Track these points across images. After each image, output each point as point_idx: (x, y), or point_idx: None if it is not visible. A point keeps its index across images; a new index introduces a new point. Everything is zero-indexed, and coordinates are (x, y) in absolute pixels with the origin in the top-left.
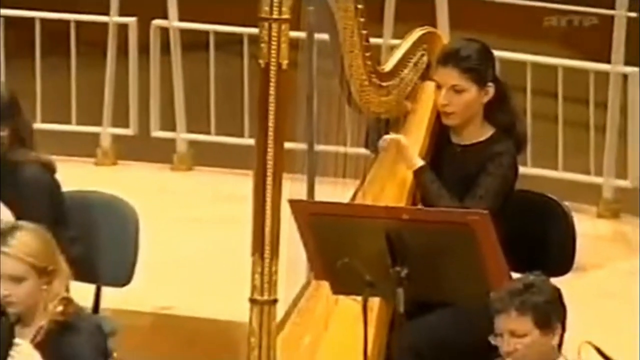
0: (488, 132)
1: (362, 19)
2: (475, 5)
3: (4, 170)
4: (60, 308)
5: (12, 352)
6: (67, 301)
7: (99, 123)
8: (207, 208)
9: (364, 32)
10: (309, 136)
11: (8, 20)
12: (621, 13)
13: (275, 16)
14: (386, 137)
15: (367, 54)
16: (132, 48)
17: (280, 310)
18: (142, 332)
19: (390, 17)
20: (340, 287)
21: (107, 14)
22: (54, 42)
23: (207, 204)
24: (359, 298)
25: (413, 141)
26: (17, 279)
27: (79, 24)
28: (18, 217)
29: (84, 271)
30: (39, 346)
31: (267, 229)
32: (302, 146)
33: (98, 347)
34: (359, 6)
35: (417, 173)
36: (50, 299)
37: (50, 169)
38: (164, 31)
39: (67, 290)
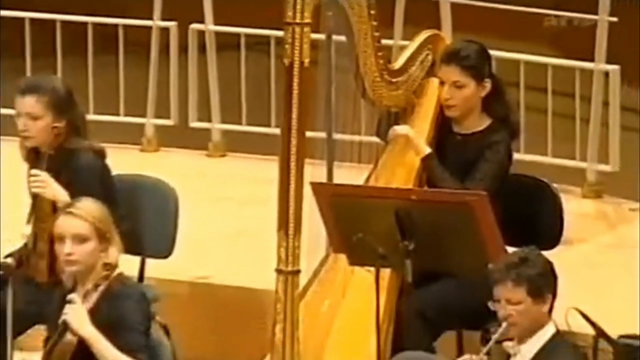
0: (485, 122)
1: (374, 23)
2: (475, 10)
3: (61, 156)
4: (111, 275)
5: (66, 308)
6: (116, 270)
7: (143, 115)
8: (239, 189)
9: (377, 34)
10: (328, 126)
11: (64, 23)
12: (603, 17)
13: (298, 20)
14: (396, 127)
15: (379, 54)
16: (173, 49)
17: (302, 279)
18: (181, 299)
19: (400, 21)
20: (356, 259)
21: (150, 18)
22: (105, 43)
23: (238, 185)
24: (372, 269)
25: (420, 131)
26: (82, 239)
27: (126, 27)
28: (73, 199)
29: (131, 244)
30: (90, 310)
31: (291, 208)
32: (321, 135)
33: (143, 312)
34: (372, 12)
35: (424, 159)
36: (104, 265)
37: (101, 155)
38: (201, 34)
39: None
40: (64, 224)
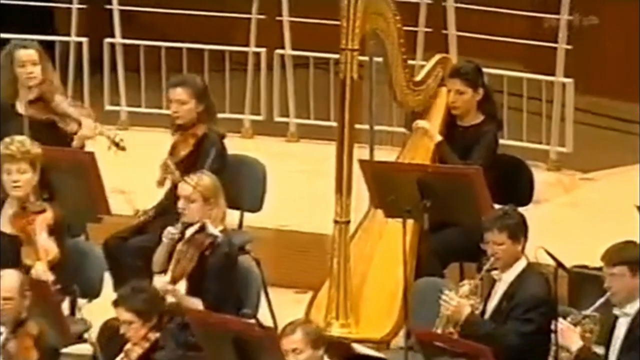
0: (479, 118)
1: (403, 49)
2: (473, 40)
3: (208, 135)
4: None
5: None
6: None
7: (242, 112)
8: (309, 165)
9: (404, 56)
10: (370, 120)
11: (189, 50)
12: (562, 46)
13: (349, 47)
14: (418, 121)
15: (406, 70)
16: (263, 66)
17: (352, 227)
18: (268, 240)
19: (421, 48)
20: (389, 213)
21: (247, 45)
22: (216, 63)
23: (308, 162)
24: (401, 220)
25: (434, 124)
26: (190, 200)
27: (231, 52)
28: (200, 167)
29: (233, 201)
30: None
31: (344, 177)
32: (365, 127)
33: (231, 252)
34: (401, 40)
35: (438, 144)
36: (212, 219)
37: (222, 137)
38: (281, 57)
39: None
40: (181, 189)
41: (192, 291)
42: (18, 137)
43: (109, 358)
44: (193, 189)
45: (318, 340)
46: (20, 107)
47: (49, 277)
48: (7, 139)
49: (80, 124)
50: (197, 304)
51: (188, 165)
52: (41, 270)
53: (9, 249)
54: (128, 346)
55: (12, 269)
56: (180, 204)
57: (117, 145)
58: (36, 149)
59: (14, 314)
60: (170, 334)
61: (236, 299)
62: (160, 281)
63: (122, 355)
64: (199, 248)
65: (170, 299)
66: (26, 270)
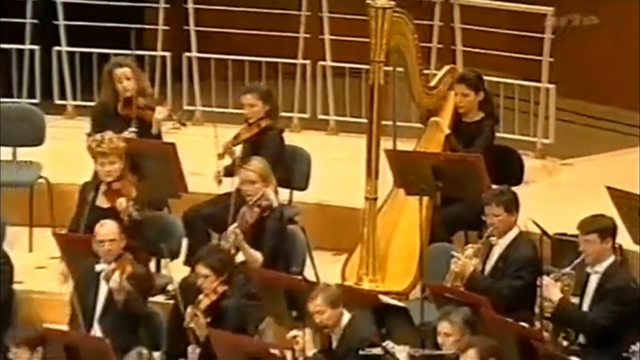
0: (480, 115)
1: (419, 61)
2: (475, 55)
3: (271, 127)
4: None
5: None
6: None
7: (292, 111)
8: (345, 152)
9: (420, 67)
10: (393, 117)
11: (251, 62)
12: (546, 59)
13: (377, 59)
14: (432, 118)
15: (422, 77)
16: (308, 75)
17: (379, 202)
18: (312, 213)
19: (434, 60)
20: (409, 191)
21: (296, 58)
22: (271, 73)
23: (344, 150)
24: (418, 197)
25: (444, 120)
26: (251, 182)
27: (283, 64)
28: (262, 153)
29: (285, 182)
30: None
31: (373, 163)
32: (390, 122)
33: (283, 216)
34: (419, 54)
35: (447, 136)
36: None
37: (281, 130)
38: (322, 67)
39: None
40: (243, 175)
41: (252, 246)
42: (107, 135)
43: (185, 306)
44: (253, 172)
45: (336, 300)
46: (120, 109)
47: (131, 210)
48: (97, 137)
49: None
50: (257, 255)
51: (246, 147)
52: (124, 205)
53: (105, 217)
54: (200, 297)
55: (111, 220)
56: (244, 187)
57: (181, 122)
58: (121, 143)
59: (116, 250)
60: (236, 287)
61: (286, 259)
62: (231, 227)
63: (195, 303)
64: (259, 209)
65: (239, 257)
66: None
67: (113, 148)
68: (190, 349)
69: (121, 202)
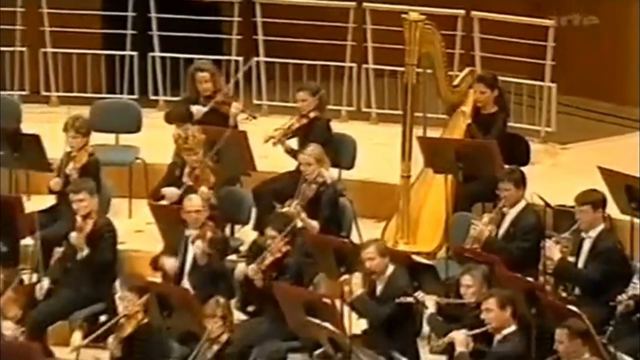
0: (495, 108)
1: (445, 64)
2: (491, 59)
3: (319, 118)
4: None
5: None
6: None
7: (341, 104)
8: (384, 138)
9: (446, 69)
10: (423, 110)
11: (309, 66)
12: (548, 63)
13: (410, 63)
14: (460, 107)
15: (447, 78)
16: (354, 75)
17: (412, 179)
18: (357, 187)
19: (457, 63)
20: (437, 170)
21: (344, 62)
22: (324, 74)
23: (384, 136)
24: (444, 175)
25: (466, 112)
26: (308, 164)
27: (335, 67)
28: (312, 140)
29: (335, 162)
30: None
31: (407, 147)
32: (421, 114)
33: (336, 191)
34: (444, 59)
35: (468, 125)
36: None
37: (328, 120)
38: (366, 69)
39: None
40: (301, 158)
41: (310, 216)
42: (190, 132)
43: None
44: (309, 156)
45: (384, 251)
46: (202, 103)
47: (212, 199)
48: (182, 134)
49: (230, 105)
50: (314, 223)
51: (300, 135)
52: (206, 193)
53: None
54: (264, 254)
55: (195, 194)
56: (303, 168)
57: (251, 116)
58: (201, 135)
59: (201, 219)
60: (297, 247)
61: (337, 225)
62: (294, 203)
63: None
64: (316, 186)
65: (299, 224)
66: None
67: (196, 143)
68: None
69: (203, 191)
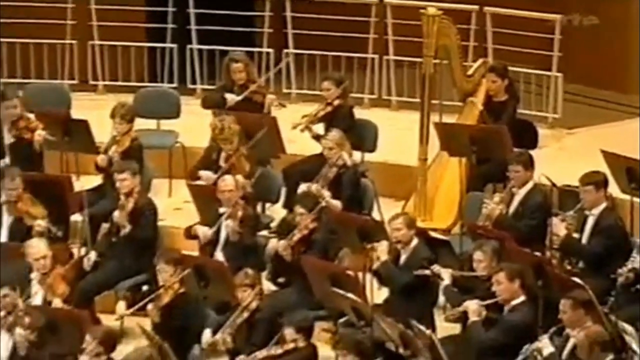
0: (505, 96)
1: (460, 55)
2: (502, 51)
3: (342, 105)
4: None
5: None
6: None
7: (363, 92)
8: (404, 124)
9: (461, 59)
10: (440, 98)
11: (334, 57)
12: (555, 54)
13: (428, 54)
14: (469, 98)
15: (462, 68)
16: (376, 66)
17: (428, 161)
18: (379, 168)
19: (471, 55)
20: (452, 153)
21: (367, 53)
22: (348, 65)
23: (403, 122)
24: (458, 157)
25: (478, 100)
26: (329, 149)
27: (358, 58)
28: (335, 125)
29: (358, 146)
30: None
31: (424, 132)
32: (437, 101)
33: (356, 172)
34: (459, 50)
35: (480, 112)
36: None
37: (351, 107)
38: (387, 60)
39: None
40: (324, 144)
41: (333, 196)
42: (225, 122)
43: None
44: (330, 141)
45: (411, 223)
46: (236, 92)
47: (247, 187)
48: (218, 125)
49: (264, 96)
50: (336, 203)
51: (322, 120)
52: (242, 182)
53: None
54: (294, 231)
55: (229, 175)
56: (326, 152)
57: (281, 104)
58: (236, 126)
59: (234, 198)
60: (323, 224)
61: (359, 204)
62: (314, 186)
63: (288, 237)
64: (337, 168)
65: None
66: None
67: (231, 133)
68: None
69: (239, 180)
